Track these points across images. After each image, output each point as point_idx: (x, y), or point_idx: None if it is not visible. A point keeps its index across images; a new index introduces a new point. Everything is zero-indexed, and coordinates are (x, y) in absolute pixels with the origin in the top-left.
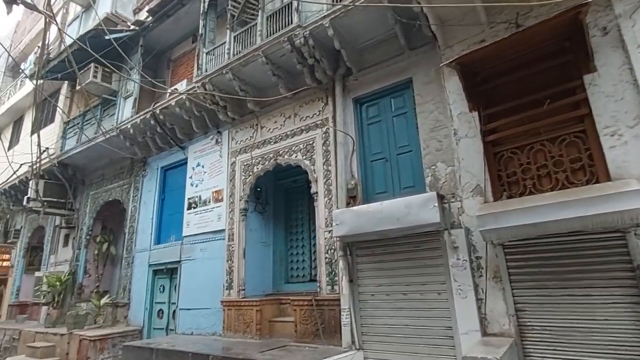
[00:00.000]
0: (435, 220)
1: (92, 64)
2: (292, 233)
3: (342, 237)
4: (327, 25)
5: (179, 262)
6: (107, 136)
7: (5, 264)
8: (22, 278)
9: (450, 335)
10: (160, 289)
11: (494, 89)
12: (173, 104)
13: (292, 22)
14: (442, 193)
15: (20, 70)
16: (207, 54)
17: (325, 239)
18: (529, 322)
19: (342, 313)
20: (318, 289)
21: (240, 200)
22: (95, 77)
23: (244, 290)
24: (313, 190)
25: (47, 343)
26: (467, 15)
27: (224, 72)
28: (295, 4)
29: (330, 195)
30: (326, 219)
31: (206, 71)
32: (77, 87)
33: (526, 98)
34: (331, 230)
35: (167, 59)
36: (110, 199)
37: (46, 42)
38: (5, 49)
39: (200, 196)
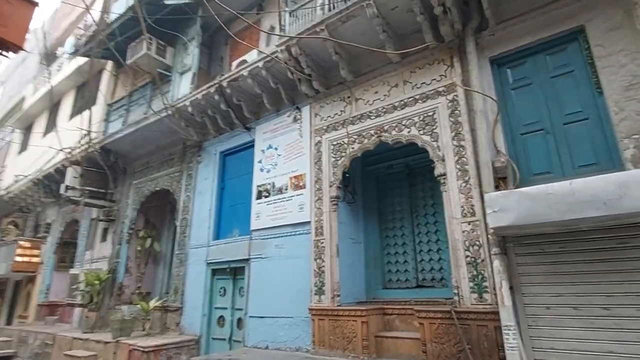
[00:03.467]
0: None
1: (146, 36)
2: (387, 229)
3: (501, 229)
4: None
5: (246, 260)
6: (161, 115)
7: (34, 260)
8: (52, 276)
9: None
10: (220, 291)
11: None
12: (245, 74)
13: None
14: None
15: (57, 54)
16: (290, 13)
17: (463, 232)
18: None
19: (503, 332)
20: (457, 298)
21: (330, 186)
22: (149, 49)
23: (339, 296)
24: (439, 171)
25: (88, 352)
26: None
27: (317, 30)
28: None
29: (466, 176)
30: (462, 206)
31: (289, 33)
32: (129, 61)
33: None
34: (472, 222)
35: (225, 34)
36: (156, 189)
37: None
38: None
39: (273, 183)
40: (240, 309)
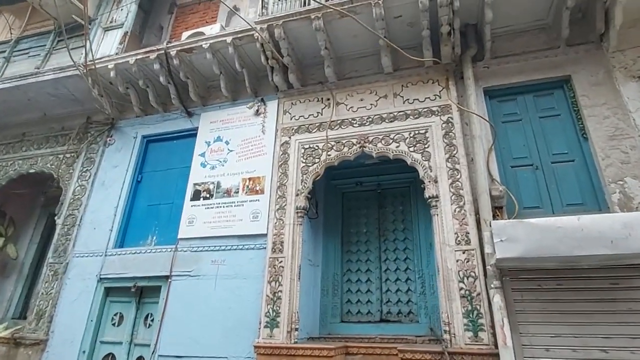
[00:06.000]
0: None
1: None
2: (350, 252)
3: (508, 261)
4: None
5: (165, 277)
6: (65, 75)
7: None
8: None
9: None
10: (114, 319)
11: None
12: (205, 46)
13: None
14: None
15: None
16: None
17: (457, 261)
18: None
19: None
20: (446, 336)
21: (297, 195)
22: None
23: (297, 330)
24: (430, 193)
25: None
26: None
27: (311, 16)
28: None
29: (460, 201)
30: (456, 233)
31: (272, 13)
32: None
33: None
34: (467, 250)
35: (170, 2)
36: (31, 171)
37: None
38: None
39: (218, 182)
40: (145, 345)
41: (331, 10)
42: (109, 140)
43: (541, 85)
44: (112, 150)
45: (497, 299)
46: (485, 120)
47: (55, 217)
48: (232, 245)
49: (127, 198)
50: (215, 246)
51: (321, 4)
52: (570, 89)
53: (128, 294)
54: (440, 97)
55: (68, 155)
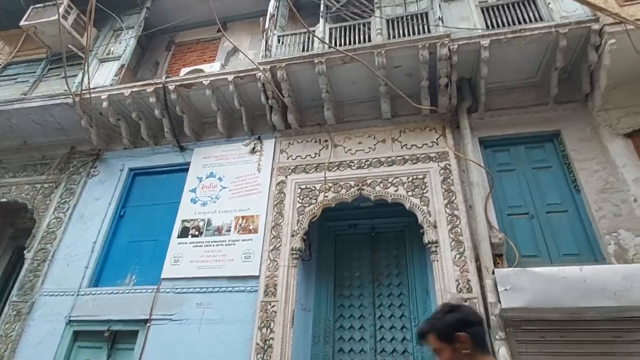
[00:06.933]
0: None
1: (66, 1)
2: (343, 296)
3: (513, 311)
4: (485, 45)
5: (144, 321)
6: (53, 102)
7: None
8: None
9: None
10: None
11: None
12: (205, 83)
13: (425, 32)
14: None
15: None
16: (279, 38)
17: None
18: None
19: None
20: None
21: (293, 236)
22: (65, 18)
23: None
24: (430, 238)
25: None
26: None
27: (315, 61)
28: (436, 14)
29: (460, 248)
30: (457, 280)
31: (275, 56)
32: (26, 23)
33: None
34: (469, 299)
35: (168, 40)
36: (2, 200)
37: None
38: None
39: (209, 220)
40: None
41: (335, 56)
42: (93, 171)
43: (532, 138)
44: (95, 182)
45: (503, 352)
46: (483, 167)
47: (25, 251)
48: (220, 287)
49: (107, 233)
50: (201, 288)
51: (335, 49)
52: (561, 142)
53: (100, 338)
54: (437, 144)
55: (46, 185)
